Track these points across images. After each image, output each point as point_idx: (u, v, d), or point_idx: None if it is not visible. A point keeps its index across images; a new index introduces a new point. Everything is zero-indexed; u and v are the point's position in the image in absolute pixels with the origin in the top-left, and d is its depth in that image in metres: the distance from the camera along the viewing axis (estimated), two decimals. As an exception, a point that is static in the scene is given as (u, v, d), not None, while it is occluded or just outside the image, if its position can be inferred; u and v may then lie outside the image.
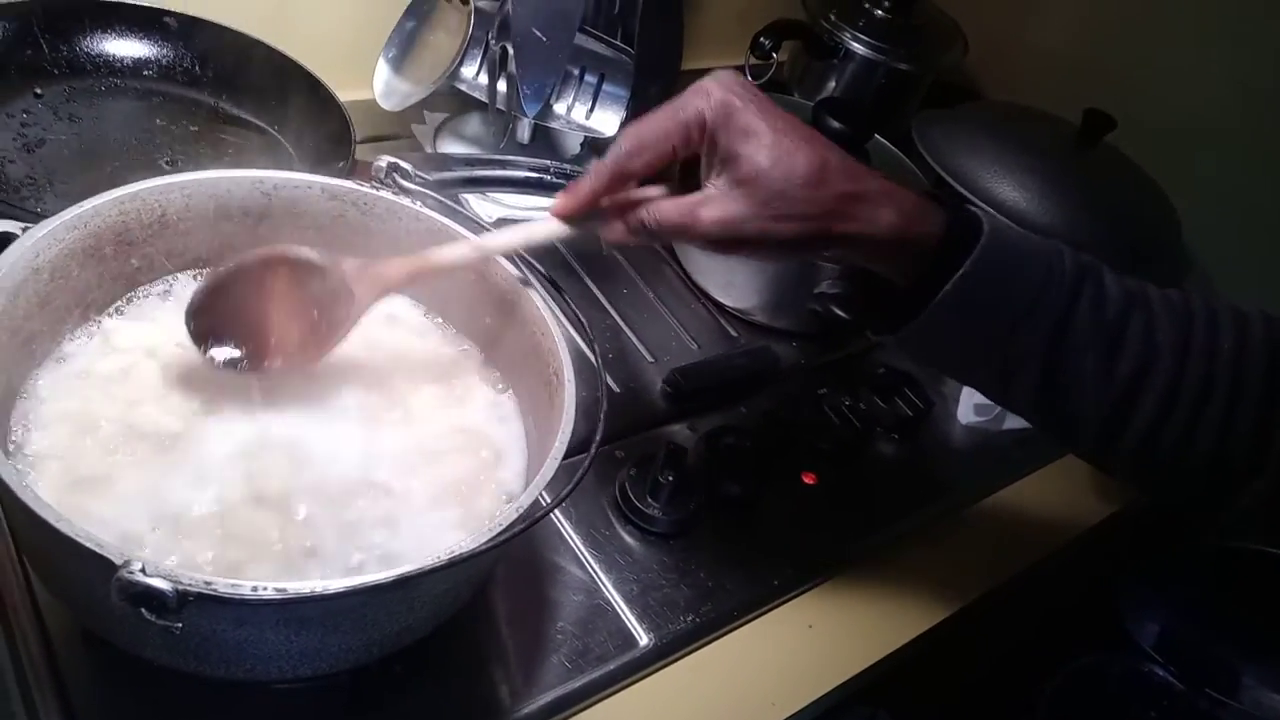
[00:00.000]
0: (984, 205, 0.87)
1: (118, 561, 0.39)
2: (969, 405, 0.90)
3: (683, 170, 0.54)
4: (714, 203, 0.51)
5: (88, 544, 0.40)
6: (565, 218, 0.55)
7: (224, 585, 0.40)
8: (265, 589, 0.41)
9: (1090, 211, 0.92)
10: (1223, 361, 0.54)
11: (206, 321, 0.54)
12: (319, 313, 0.56)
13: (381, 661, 0.52)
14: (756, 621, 0.70)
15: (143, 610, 0.39)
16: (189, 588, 0.39)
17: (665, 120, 0.52)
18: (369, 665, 0.52)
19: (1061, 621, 1.05)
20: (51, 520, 0.40)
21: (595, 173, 0.53)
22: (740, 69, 1.04)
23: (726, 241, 0.52)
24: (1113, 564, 1.04)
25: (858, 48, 1.09)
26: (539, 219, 0.57)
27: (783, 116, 0.51)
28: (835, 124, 0.85)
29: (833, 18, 1.10)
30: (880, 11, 1.11)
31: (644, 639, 0.65)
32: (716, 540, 0.72)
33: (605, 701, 0.63)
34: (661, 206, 0.53)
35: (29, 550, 0.51)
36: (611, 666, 0.63)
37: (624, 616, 0.66)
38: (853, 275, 0.82)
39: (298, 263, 0.55)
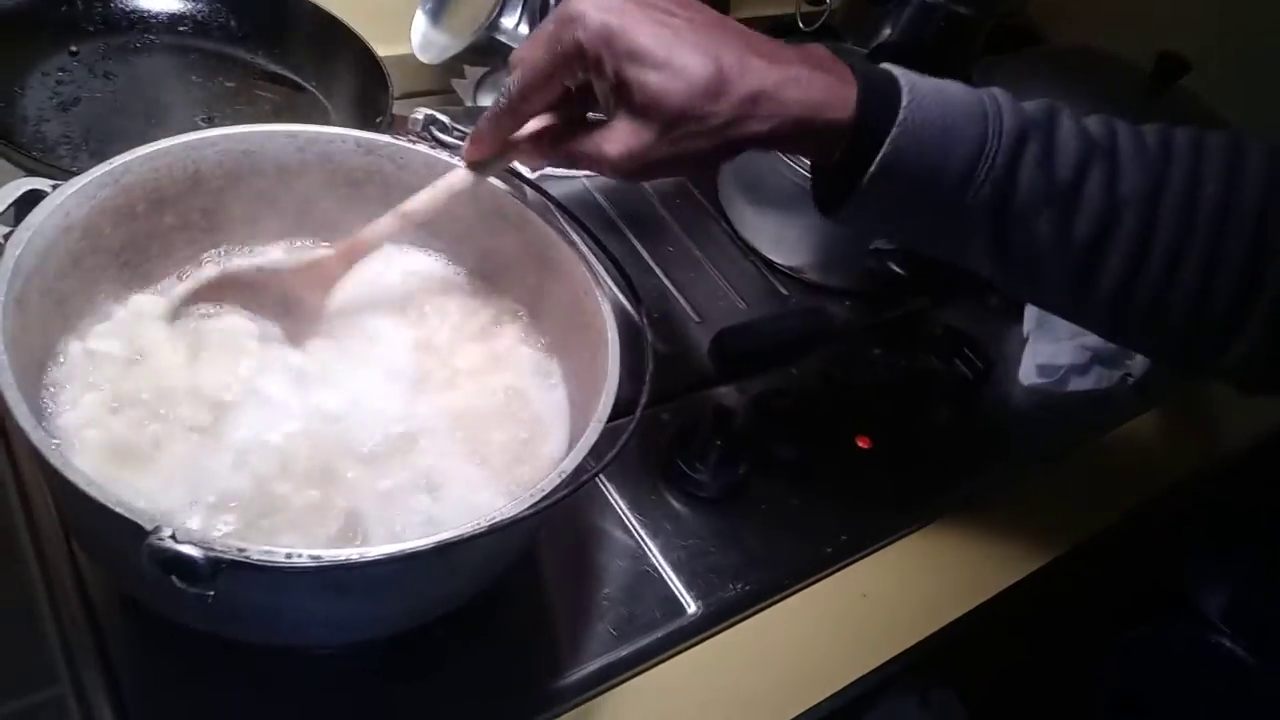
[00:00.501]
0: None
1: (148, 527, 0.38)
2: (1031, 366, 0.86)
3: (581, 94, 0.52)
4: (615, 135, 0.49)
5: (117, 509, 0.39)
6: (478, 164, 0.55)
7: (257, 552, 0.39)
8: (300, 556, 0.39)
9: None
10: (1204, 209, 0.50)
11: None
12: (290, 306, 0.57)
13: (423, 627, 0.51)
14: (808, 590, 0.68)
15: (174, 578, 0.37)
16: (221, 555, 0.38)
17: (543, 56, 0.49)
18: (410, 631, 0.51)
19: (1123, 589, 1.02)
20: (82, 485, 0.39)
21: (491, 117, 0.52)
22: (791, 16, 1.00)
23: (636, 173, 0.50)
24: (1178, 530, 1.00)
25: (915, -9, 1.03)
26: (455, 170, 0.55)
27: (669, 22, 0.47)
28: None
29: (888, -41, 1.04)
30: (939, -48, 1.05)
31: (692, 606, 0.63)
32: (766, 506, 0.70)
33: (652, 670, 0.61)
34: (570, 142, 0.51)
35: (66, 517, 0.51)
36: (659, 634, 0.61)
37: (671, 583, 0.64)
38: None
39: (241, 281, 0.56)
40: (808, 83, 0.48)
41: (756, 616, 0.65)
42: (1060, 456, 0.84)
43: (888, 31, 1.08)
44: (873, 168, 0.48)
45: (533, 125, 0.53)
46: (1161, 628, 1.04)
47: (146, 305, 0.56)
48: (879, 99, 0.49)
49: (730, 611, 0.64)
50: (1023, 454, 0.83)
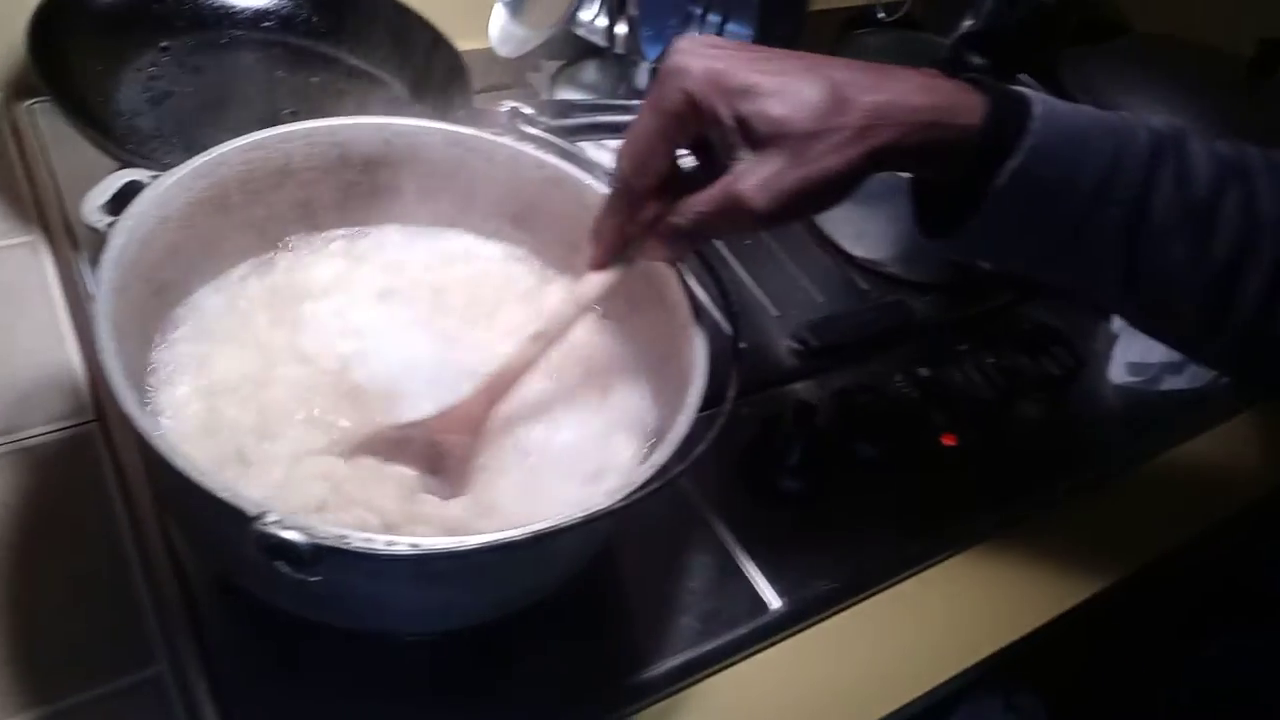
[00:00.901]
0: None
1: (253, 513, 0.38)
2: (1122, 364, 0.84)
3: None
4: (748, 173, 0.45)
5: (223, 495, 0.39)
6: (603, 267, 0.52)
7: (358, 539, 0.39)
8: (399, 544, 0.39)
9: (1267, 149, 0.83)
10: None
11: None
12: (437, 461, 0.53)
13: (507, 618, 0.51)
14: (893, 589, 0.66)
15: (278, 562, 0.38)
16: (323, 541, 0.38)
17: (652, 120, 0.47)
18: (496, 621, 0.51)
19: (1214, 594, 0.99)
20: (188, 471, 0.40)
21: (607, 210, 0.50)
22: (871, 7, 0.98)
23: (777, 208, 0.46)
24: (1273, 535, 0.97)
25: (998, -21, 1.01)
26: (586, 279, 0.52)
27: (769, 56, 0.46)
28: (977, 59, 0.79)
29: (970, -53, 1.02)
30: (1023, -61, 1.03)
31: (775, 603, 0.62)
32: (849, 503, 0.69)
33: (736, 666, 0.60)
34: (689, 202, 0.47)
35: (168, 500, 0.52)
36: (742, 630, 0.60)
37: (754, 580, 0.63)
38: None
39: (388, 440, 0.52)
40: (932, 90, 0.46)
41: (840, 615, 0.64)
42: (1152, 457, 0.81)
43: (969, 22, 1.06)
44: (1002, 178, 0.46)
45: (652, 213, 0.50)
46: (1251, 634, 1.00)
47: (246, 287, 0.57)
48: (1010, 106, 0.47)
49: (814, 609, 0.63)
50: (1113, 455, 0.80)
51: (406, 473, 0.51)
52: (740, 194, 0.45)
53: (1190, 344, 0.54)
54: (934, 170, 0.49)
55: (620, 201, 0.50)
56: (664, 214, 0.49)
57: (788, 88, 0.45)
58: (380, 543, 0.39)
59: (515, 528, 0.41)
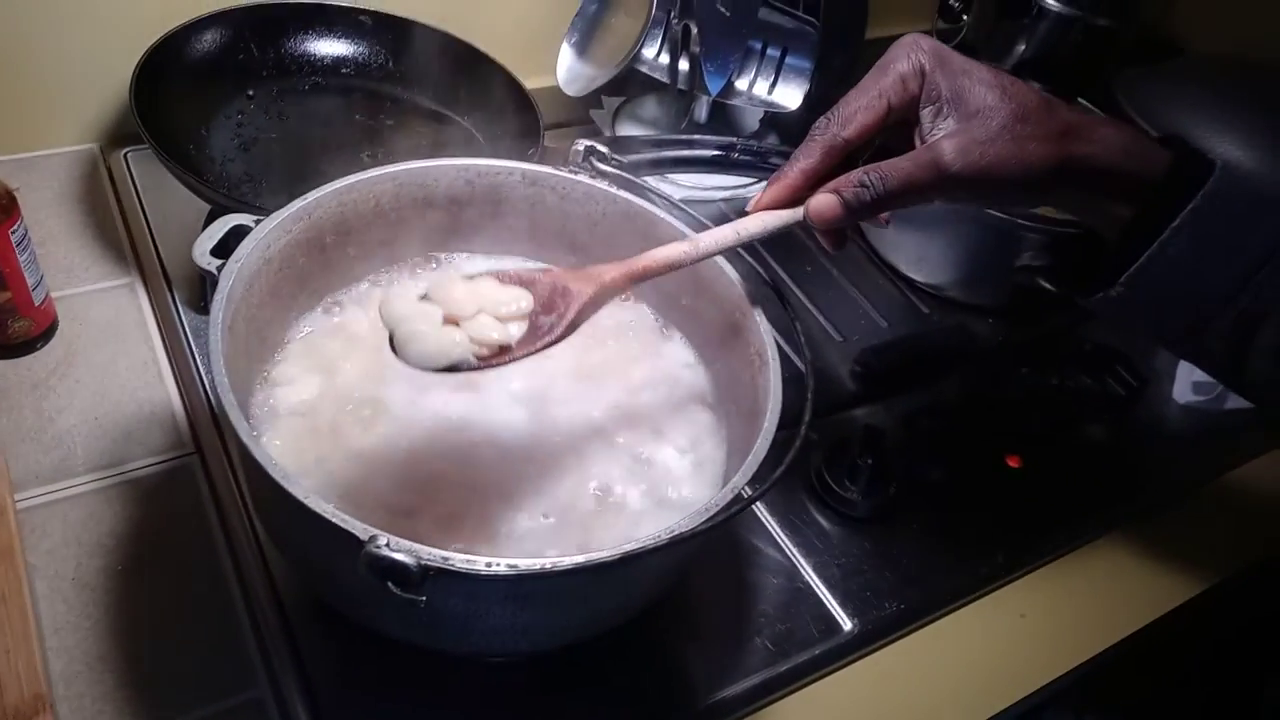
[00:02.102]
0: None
1: (363, 538, 0.40)
2: (1186, 383, 0.83)
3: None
4: (951, 136, 0.48)
5: (335, 520, 0.42)
6: (773, 206, 0.53)
7: (460, 560, 0.41)
8: (498, 565, 0.41)
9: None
10: None
11: None
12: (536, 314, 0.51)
13: (588, 642, 0.53)
14: (965, 610, 0.67)
15: (389, 584, 0.40)
16: (429, 562, 0.40)
17: (874, 78, 0.50)
18: (577, 644, 0.53)
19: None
20: (300, 497, 0.42)
21: (804, 152, 0.51)
22: (927, 34, 1.00)
23: (971, 179, 0.47)
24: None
25: (1052, 4, 1.02)
26: (748, 214, 0.53)
27: (990, 67, 0.49)
28: (1033, 84, 0.80)
29: (1024, -25, 1.03)
30: (1076, -35, 1.04)
31: (848, 624, 0.63)
32: (918, 525, 0.70)
33: (810, 687, 0.62)
34: (887, 164, 0.49)
35: (271, 526, 0.54)
36: (816, 652, 0.62)
37: (826, 601, 0.64)
38: (1055, 244, 0.78)
39: (525, 279, 0.50)
40: (1125, 136, 0.49)
41: (912, 636, 0.65)
42: (1218, 476, 0.81)
43: (1022, 47, 1.06)
44: (1180, 218, 0.47)
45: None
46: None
47: (337, 323, 0.60)
48: (1190, 157, 0.48)
49: (887, 630, 0.64)
50: (1179, 474, 0.80)
51: (523, 296, 0.49)
52: (942, 152, 0.47)
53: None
54: (1108, 204, 0.50)
55: (818, 149, 0.51)
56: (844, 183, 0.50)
57: (1003, 80, 0.48)
58: (480, 564, 0.41)
59: (605, 549, 0.43)
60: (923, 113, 0.50)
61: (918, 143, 0.50)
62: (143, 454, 0.65)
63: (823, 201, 0.50)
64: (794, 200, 0.52)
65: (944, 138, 0.48)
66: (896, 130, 0.51)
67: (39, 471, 0.63)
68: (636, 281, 0.52)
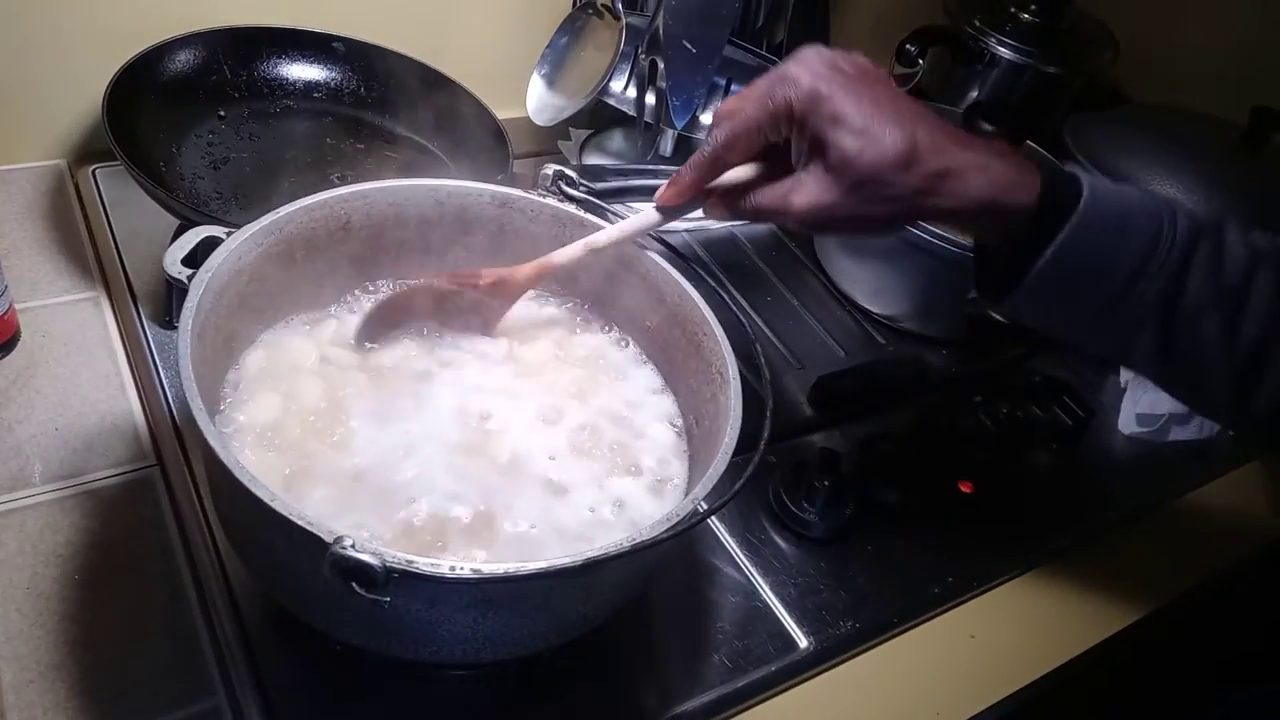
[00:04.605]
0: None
1: (328, 540, 0.41)
2: (1131, 415, 0.86)
3: (774, 152, 0.55)
4: (805, 188, 0.52)
5: (301, 523, 0.42)
6: (669, 208, 0.58)
7: (424, 564, 0.42)
8: (462, 569, 0.42)
9: (1262, 213, 0.87)
10: None
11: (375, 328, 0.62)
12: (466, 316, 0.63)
13: (550, 654, 0.54)
14: (917, 630, 0.69)
15: (354, 585, 0.41)
16: (394, 564, 0.41)
17: (756, 111, 0.53)
18: (539, 656, 0.54)
19: (1231, 643, 1.00)
20: (266, 499, 0.43)
21: (694, 164, 0.56)
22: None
23: (815, 225, 0.53)
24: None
25: (1004, 52, 1.07)
26: (644, 212, 0.60)
27: (871, 95, 0.51)
28: (987, 127, 0.83)
29: (978, 23, 1.08)
30: (1027, 15, 1.09)
31: (804, 642, 0.65)
32: (873, 546, 0.72)
33: (767, 703, 0.62)
34: (757, 193, 0.55)
35: (235, 532, 0.54)
36: (773, 668, 0.63)
37: (783, 619, 0.66)
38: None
39: (439, 291, 0.62)
40: (994, 168, 0.51)
41: (866, 654, 0.67)
42: (1161, 505, 0.84)
43: (976, 91, 1.11)
44: (1050, 249, 0.51)
45: (729, 177, 0.56)
46: (1274, 688, 1.01)
47: (302, 335, 0.61)
48: (1061, 187, 0.52)
49: (841, 648, 0.65)
50: (1123, 502, 0.83)
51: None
52: (791, 203, 0.53)
53: (1222, 416, 0.58)
54: (983, 235, 0.55)
55: (707, 164, 0.55)
56: (737, 185, 0.56)
57: (871, 130, 0.50)
58: (444, 567, 0.42)
59: (567, 555, 0.44)
60: (794, 145, 0.53)
61: (794, 165, 0.54)
62: (103, 465, 0.65)
63: (715, 210, 0.58)
64: (684, 202, 0.58)
65: (800, 186, 0.52)
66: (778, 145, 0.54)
67: (-4, 481, 0.62)
68: (542, 279, 0.62)
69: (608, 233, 0.61)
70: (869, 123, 0.50)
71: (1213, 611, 0.84)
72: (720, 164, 0.55)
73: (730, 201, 0.57)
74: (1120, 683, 0.84)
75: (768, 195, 0.54)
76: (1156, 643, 0.79)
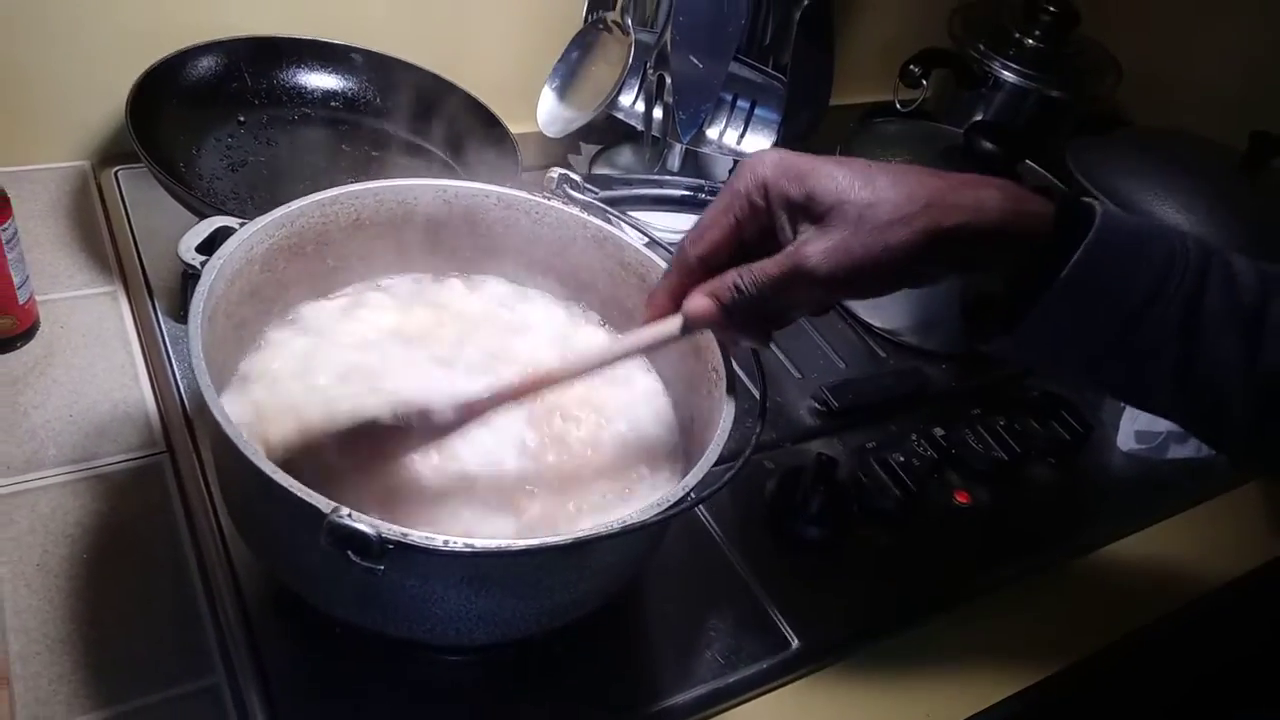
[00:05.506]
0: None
1: (326, 510, 0.42)
2: (1129, 432, 0.87)
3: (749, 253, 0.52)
4: (811, 243, 0.48)
5: (300, 494, 0.44)
6: (649, 344, 0.55)
7: (418, 536, 0.43)
8: (455, 542, 0.43)
9: (1262, 236, 0.88)
10: None
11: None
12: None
13: (544, 641, 0.55)
14: (908, 635, 0.69)
15: (349, 553, 0.42)
16: (389, 535, 0.42)
17: (722, 198, 0.51)
18: (533, 641, 0.55)
19: (1229, 671, 0.99)
20: (269, 472, 0.44)
21: (664, 276, 0.54)
22: (889, 100, 1.05)
23: (838, 278, 0.48)
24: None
25: (1008, 76, 1.09)
26: (629, 337, 0.56)
27: (844, 161, 0.50)
28: (987, 145, 0.85)
29: (982, 47, 1.10)
30: (1031, 40, 1.11)
31: (795, 642, 0.65)
32: (868, 552, 0.72)
33: (757, 700, 0.63)
34: (755, 266, 0.49)
35: (237, 507, 0.56)
36: (764, 665, 0.63)
37: (776, 619, 0.66)
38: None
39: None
40: (1002, 194, 0.49)
41: (859, 656, 0.67)
42: (1157, 522, 0.84)
43: (980, 114, 1.13)
44: (1066, 271, 0.48)
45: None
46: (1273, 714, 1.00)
47: (311, 328, 0.63)
48: (1074, 211, 0.50)
49: (833, 650, 0.66)
50: (1119, 519, 0.83)
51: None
52: (804, 258, 0.48)
53: (1238, 447, 0.56)
54: (995, 264, 0.51)
55: (676, 268, 0.53)
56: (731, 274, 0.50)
57: (855, 172, 0.48)
58: (438, 540, 0.43)
59: (559, 535, 0.45)
60: (780, 221, 0.50)
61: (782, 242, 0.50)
62: (114, 451, 0.67)
63: (698, 304, 0.51)
64: (668, 311, 0.53)
65: (803, 243, 0.48)
66: (760, 243, 0.51)
67: (10, 462, 0.64)
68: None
69: (595, 355, 0.57)
70: (847, 166, 0.49)
71: (1208, 629, 0.84)
72: (687, 263, 0.52)
73: (718, 287, 0.50)
74: (1111, 700, 0.84)
75: (770, 262, 0.49)
76: (1147, 661, 0.79)
